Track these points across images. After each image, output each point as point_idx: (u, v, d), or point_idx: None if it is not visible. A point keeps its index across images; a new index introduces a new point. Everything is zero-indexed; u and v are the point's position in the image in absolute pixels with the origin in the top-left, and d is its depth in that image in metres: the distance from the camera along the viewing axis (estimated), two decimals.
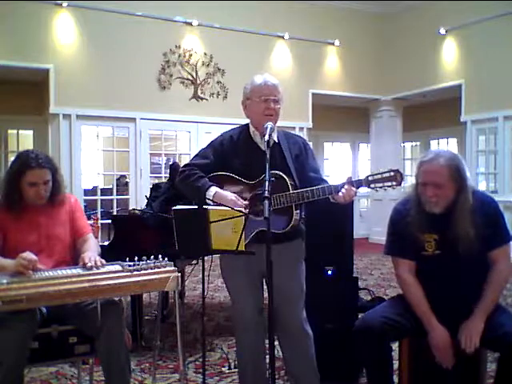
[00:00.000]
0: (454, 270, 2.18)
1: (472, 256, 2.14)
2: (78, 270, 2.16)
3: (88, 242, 2.45)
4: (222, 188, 2.27)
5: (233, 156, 2.32)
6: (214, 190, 2.24)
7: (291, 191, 2.17)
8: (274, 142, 2.32)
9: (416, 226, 2.21)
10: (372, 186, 2.11)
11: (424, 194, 2.17)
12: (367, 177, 2.12)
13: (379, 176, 2.10)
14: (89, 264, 2.17)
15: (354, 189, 2.09)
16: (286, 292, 2.31)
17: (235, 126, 2.48)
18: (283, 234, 2.21)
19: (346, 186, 2.10)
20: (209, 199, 2.23)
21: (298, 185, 2.25)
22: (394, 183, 2.08)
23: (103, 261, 2.25)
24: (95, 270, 2.15)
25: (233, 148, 2.34)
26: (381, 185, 2.11)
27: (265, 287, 2.34)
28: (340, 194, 2.10)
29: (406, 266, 2.28)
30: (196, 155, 2.42)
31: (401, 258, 2.30)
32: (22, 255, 2.08)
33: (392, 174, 2.08)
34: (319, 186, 2.14)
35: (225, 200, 2.18)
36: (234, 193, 2.24)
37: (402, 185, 2.13)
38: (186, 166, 2.38)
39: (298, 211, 2.26)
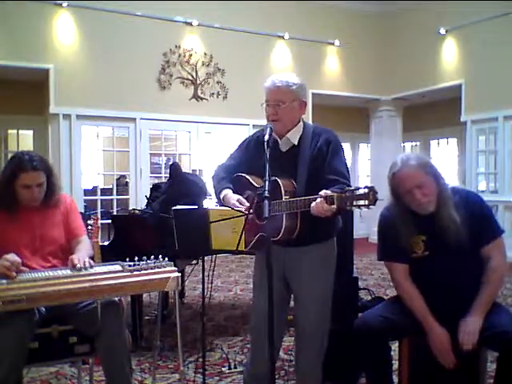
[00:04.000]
0: (444, 270, 2.18)
1: (461, 254, 2.14)
2: (67, 271, 2.15)
3: (81, 244, 2.45)
4: (239, 189, 2.28)
5: (257, 157, 2.29)
6: (224, 192, 2.27)
7: (283, 199, 2.10)
8: (294, 144, 2.28)
9: (403, 229, 2.21)
10: (344, 203, 1.87)
11: (413, 200, 2.16)
12: (340, 194, 1.89)
13: (352, 193, 1.87)
14: (78, 265, 2.17)
15: (325, 205, 1.88)
16: (300, 295, 2.30)
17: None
18: (302, 238, 2.17)
19: (317, 200, 1.92)
20: (222, 201, 2.28)
21: (304, 191, 2.14)
22: (367, 202, 1.83)
23: (92, 262, 2.25)
24: (84, 271, 2.14)
25: (258, 149, 2.31)
26: (353, 203, 1.86)
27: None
28: (311, 207, 1.94)
29: (401, 270, 2.28)
30: (228, 156, 2.49)
31: (394, 262, 2.31)
32: (5, 256, 2.08)
33: (366, 191, 1.83)
34: (301, 198, 2.04)
35: (228, 203, 2.21)
36: (249, 194, 2.25)
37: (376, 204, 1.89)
38: (216, 168, 2.46)
39: (297, 219, 2.15)
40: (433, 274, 2.21)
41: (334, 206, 1.88)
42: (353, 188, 1.88)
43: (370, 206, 1.85)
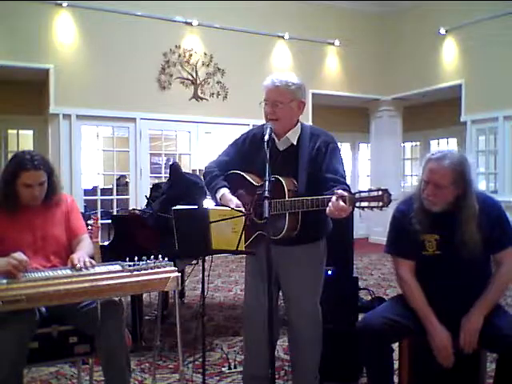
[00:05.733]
0: (454, 271, 2.18)
1: (472, 257, 2.14)
2: (67, 271, 2.15)
3: (82, 243, 2.44)
4: (234, 187, 2.28)
5: (253, 155, 2.29)
6: (221, 191, 2.27)
7: (286, 198, 2.12)
8: (292, 144, 2.29)
9: (418, 226, 2.20)
10: (357, 205, 1.90)
11: (424, 191, 2.17)
12: (354, 194, 1.92)
13: (366, 194, 1.90)
14: (78, 265, 2.16)
15: (344, 204, 1.86)
16: (292, 293, 2.32)
17: (260, 124, 2.40)
18: (299, 237, 2.18)
19: (332, 200, 1.89)
20: (217, 200, 2.28)
21: (305, 190, 2.16)
22: (381, 204, 1.87)
23: (93, 261, 2.25)
24: (84, 271, 2.14)
25: (254, 147, 2.31)
26: (367, 204, 1.90)
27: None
28: (327, 209, 1.91)
29: (407, 266, 2.27)
30: (222, 152, 2.46)
31: (401, 257, 2.30)
32: (13, 255, 2.08)
33: (380, 193, 1.87)
34: (309, 198, 2.05)
35: (226, 205, 2.21)
36: (243, 192, 2.24)
37: (390, 206, 1.92)
38: (209, 163, 2.44)
39: (299, 217, 2.17)
40: (441, 274, 2.20)
41: (351, 207, 1.88)
42: (367, 190, 1.89)
43: (383, 208, 1.87)
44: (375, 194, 1.87)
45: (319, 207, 1.99)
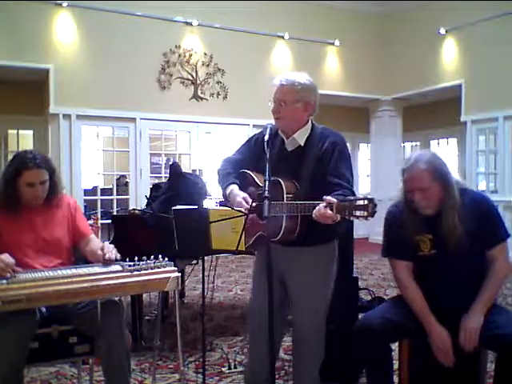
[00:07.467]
0: (451, 269, 2.18)
1: (467, 254, 2.15)
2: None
3: (94, 241, 2.46)
4: (243, 186, 2.26)
5: (263, 154, 2.25)
6: (230, 188, 2.25)
7: (284, 201, 2.09)
8: (299, 145, 2.27)
9: (410, 227, 2.21)
10: (342, 213, 1.84)
11: (413, 200, 2.18)
12: (339, 202, 1.85)
13: (352, 203, 1.83)
14: (107, 255, 2.21)
15: (328, 211, 1.83)
16: (296, 295, 2.30)
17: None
18: (302, 239, 2.17)
19: (319, 206, 1.87)
20: (227, 196, 2.26)
21: (307, 194, 2.12)
22: (365, 213, 1.79)
23: (118, 255, 2.29)
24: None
25: (263, 147, 2.26)
26: (351, 212, 1.83)
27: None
28: (312, 213, 1.90)
29: (404, 268, 2.28)
30: (236, 151, 2.46)
31: (398, 259, 2.30)
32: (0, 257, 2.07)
33: (365, 202, 1.79)
34: (303, 202, 2.02)
35: (233, 200, 2.19)
36: (251, 192, 2.24)
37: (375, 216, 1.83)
38: (222, 161, 2.42)
39: (298, 220, 2.14)
40: (438, 273, 2.21)
41: (338, 215, 1.85)
42: (353, 198, 1.84)
43: (368, 218, 1.80)
44: (361, 202, 1.80)
45: (310, 212, 1.95)
